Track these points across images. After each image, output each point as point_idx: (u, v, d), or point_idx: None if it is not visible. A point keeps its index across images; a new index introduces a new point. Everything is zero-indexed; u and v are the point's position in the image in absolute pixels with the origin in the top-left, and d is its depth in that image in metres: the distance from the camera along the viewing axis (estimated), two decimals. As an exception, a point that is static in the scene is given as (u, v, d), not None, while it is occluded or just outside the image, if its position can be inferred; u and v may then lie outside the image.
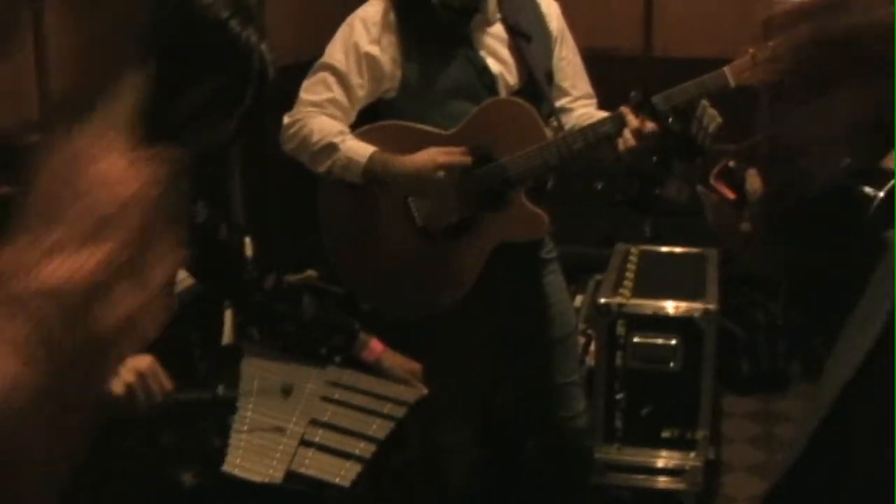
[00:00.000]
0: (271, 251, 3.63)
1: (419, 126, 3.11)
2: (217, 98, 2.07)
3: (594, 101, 3.33)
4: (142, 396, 2.08)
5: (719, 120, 3.01)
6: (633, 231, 4.89)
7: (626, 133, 2.96)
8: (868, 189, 2.85)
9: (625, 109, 2.99)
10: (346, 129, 3.08)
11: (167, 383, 2.13)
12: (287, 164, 3.17)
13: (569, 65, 3.29)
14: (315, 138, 3.05)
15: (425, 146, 3.06)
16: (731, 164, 2.06)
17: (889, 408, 1.04)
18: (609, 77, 3.65)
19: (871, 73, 1.07)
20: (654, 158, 3.46)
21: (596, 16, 5.33)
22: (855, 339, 1.10)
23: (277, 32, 4.42)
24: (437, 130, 3.11)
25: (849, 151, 1.15)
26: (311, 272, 3.96)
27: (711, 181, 2.40)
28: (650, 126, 2.96)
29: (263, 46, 2.10)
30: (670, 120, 2.93)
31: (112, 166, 0.79)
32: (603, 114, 3.16)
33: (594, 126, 3.06)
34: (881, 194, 2.80)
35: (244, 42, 2.06)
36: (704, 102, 2.93)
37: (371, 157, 3.01)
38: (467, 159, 3.02)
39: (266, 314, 2.65)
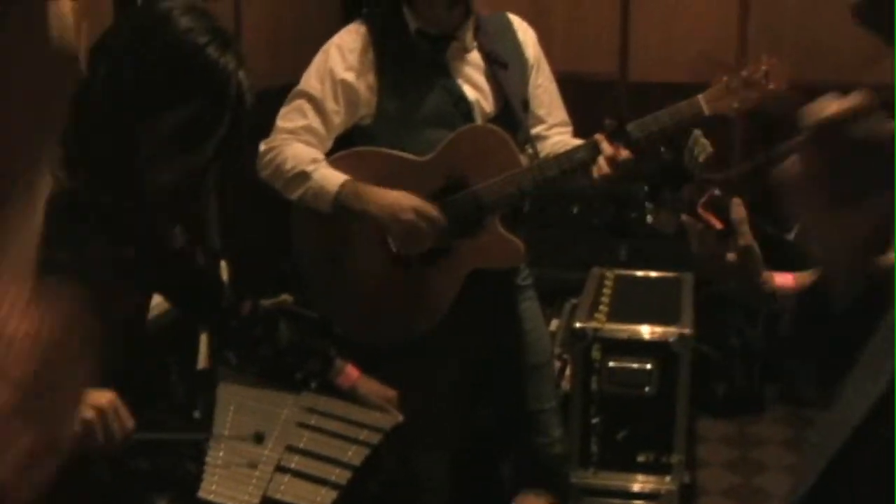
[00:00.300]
0: (246, 275, 3.62)
1: (394, 153, 3.12)
2: (194, 123, 2.06)
3: (569, 128, 3.34)
4: (100, 434, 2.00)
5: (710, 150, 3.02)
6: (608, 255, 4.90)
7: (601, 161, 2.97)
8: None
9: (599, 137, 3.00)
10: (320, 157, 3.08)
11: (129, 421, 2.05)
12: (262, 187, 3.17)
13: (545, 92, 3.30)
14: (289, 166, 3.05)
15: (401, 173, 3.06)
16: (717, 192, 2.07)
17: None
18: (585, 101, 3.67)
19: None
20: (645, 188, 3.48)
21: (573, 41, 5.36)
22: (865, 382, 1.09)
23: (252, 57, 4.41)
24: (412, 157, 3.11)
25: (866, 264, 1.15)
26: (285, 296, 3.95)
27: (699, 210, 2.41)
28: (625, 154, 2.98)
29: (241, 73, 2.10)
30: (662, 149, 2.95)
31: (6, 312, 0.76)
32: (578, 141, 3.18)
33: (569, 153, 3.07)
34: None
35: (222, 68, 2.06)
36: (697, 132, 2.95)
37: (342, 187, 3.02)
38: (439, 216, 3.03)
39: (242, 340, 2.64)
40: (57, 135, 0.88)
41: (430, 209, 3.03)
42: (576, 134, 3.33)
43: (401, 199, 3.02)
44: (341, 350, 2.71)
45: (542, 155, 3.19)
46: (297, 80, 3.19)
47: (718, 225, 2.01)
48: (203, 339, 3.30)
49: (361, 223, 3.10)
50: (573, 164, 3.04)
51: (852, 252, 1.15)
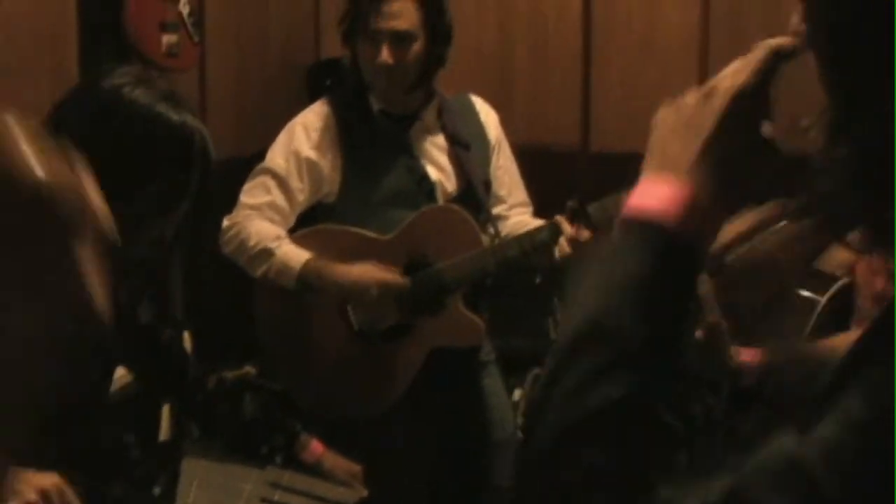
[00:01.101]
0: (209, 346, 3.60)
1: (357, 230, 3.15)
2: (167, 190, 2.06)
3: (530, 209, 3.38)
4: None
5: None
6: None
7: (563, 241, 3.00)
8: (806, 293, 2.88)
9: (560, 218, 3.04)
10: (284, 234, 3.10)
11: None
12: (224, 258, 3.17)
13: (505, 173, 3.34)
14: (252, 242, 3.06)
15: (363, 251, 3.08)
16: None
17: None
18: (547, 172, 3.71)
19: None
20: None
21: (534, 113, 5.42)
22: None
23: (217, 130, 4.43)
24: (375, 235, 3.14)
25: None
26: (248, 368, 3.94)
27: None
28: (586, 234, 3.01)
29: (203, 129, 2.09)
30: None
31: None
32: (539, 221, 3.20)
33: (530, 234, 3.11)
34: (823, 300, 2.83)
35: (184, 129, 2.05)
36: None
37: (306, 264, 3.03)
38: (404, 283, 3.05)
39: (207, 414, 2.62)
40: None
41: (395, 279, 3.04)
42: (538, 204, 3.36)
43: (366, 272, 3.03)
44: (306, 424, 2.70)
45: (502, 235, 3.22)
46: (261, 153, 3.21)
47: None
48: (165, 411, 3.27)
49: (324, 299, 3.10)
50: (534, 245, 3.08)
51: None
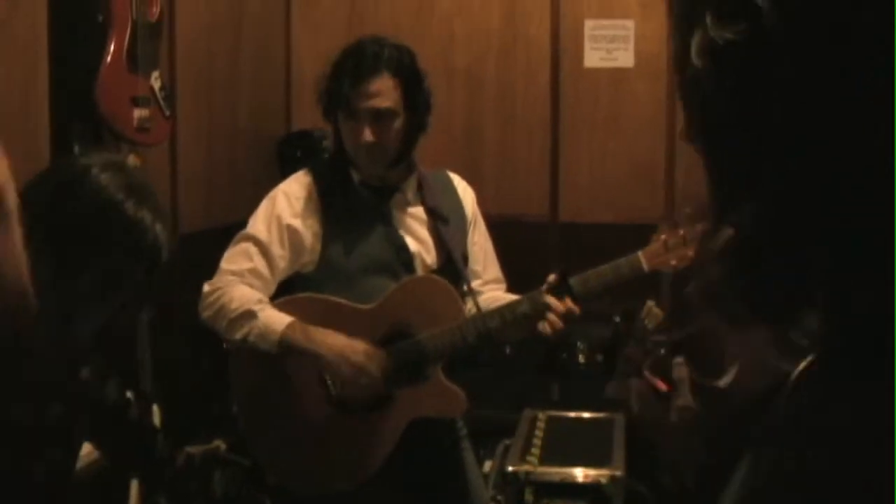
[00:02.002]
0: (179, 419, 3.59)
1: (339, 300, 3.14)
2: (110, 276, 2.09)
3: (503, 285, 3.40)
4: None
5: (661, 318, 3.10)
6: (541, 394, 4.92)
7: (552, 317, 3.02)
8: (779, 363, 2.89)
9: (543, 291, 3.06)
10: (266, 299, 3.09)
11: None
12: (194, 331, 3.16)
13: (480, 249, 3.37)
14: (234, 305, 3.05)
15: (345, 320, 3.08)
16: (662, 353, 2.12)
17: None
18: (518, 242, 3.74)
19: None
20: (600, 357, 3.58)
21: (504, 184, 5.47)
22: None
23: (188, 201, 4.47)
24: (356, 305, 3.14)
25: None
26: (218, 442, 3.91)
27: (645, 373, 2.47)
28: (572, 308, 3.04)
29: (158, 226, 2.12)
30: (617, 319, 3.02)
31: None
32: (511, 296, 3.23)
33: (511, 306, 3.12)
34: (795, 371, 2.84)
35: (138, 223, 2.09)
36: (650, 303, 3.03)
37: (289, 326, 3.02)
38: (388, 367, 3.06)
39: (177, 490, 2.61)
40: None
41: (380, 355, 3.04)
42: (509, 273, 3.39)
43: (351, 343, 3.03)
44: (275, 500, 2.70)
45: (481, 308, 3.23)
46: (231, 224, 3.22)
47: (664, 387, 2.04)
48: (134, 487, 3.26)
49: (303, 367, 3.10)
50: (516, 317, 3.09)
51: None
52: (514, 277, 3.44)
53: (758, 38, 0.82)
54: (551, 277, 3.08)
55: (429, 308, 3.12)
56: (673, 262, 3.09)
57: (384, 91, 3.10)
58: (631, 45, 5.38)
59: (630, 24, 5.38)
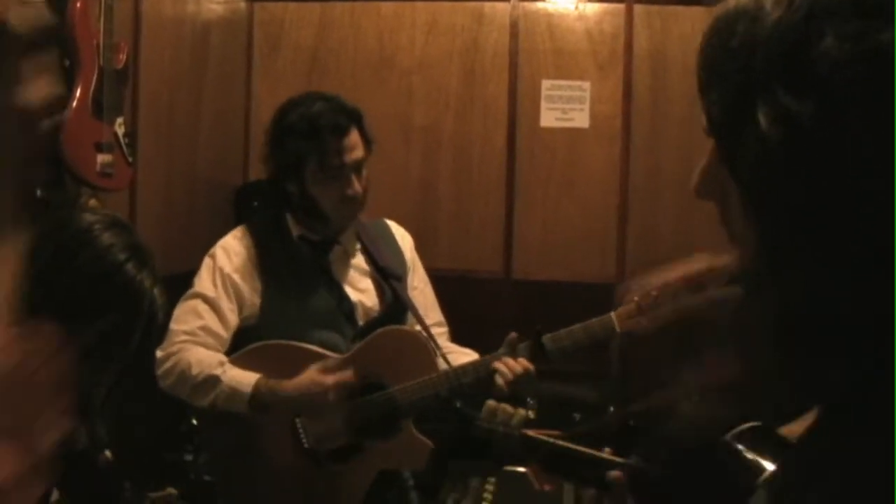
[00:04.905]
0: (131, 467, 3.57)
1: (307, 346, 3.13)
2: (107, 336, 2.09)
3: (445, 329, 3.42)
4: None
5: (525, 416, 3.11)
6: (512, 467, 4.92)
7: (506, 372, 3.04)
8: (750, 455, 2.93)
9: (516, 354, 3.08)
10: (225, 359, 3.07)
11: None
12: (148, 377, 3.13)
13: (420, 294, 3.39)
14: (194, 372, 3.02)
15: (309, 366, 3.07)
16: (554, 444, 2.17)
17: None
18: (471, 297, 3.78)
19: (723, 343, 1.17)
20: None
21: (459, 240, 5.52)
22: None
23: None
24: (323, 351, 3.13)
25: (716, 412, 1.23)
26: (171, 489, 3.89)
27: (530, 470, 2.53)
28: (525, 365, 3.06)
29: (156, 290, 2.13)
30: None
31: None
32: (457, 347, 3.26)
33: (485, 362, 3.13)
34: (772, 467, 2.88)
35: (138, 285, 2.09)
36: (492, 403, 3.05)
37: (257, 386, 3.01)
38: (353, 379, 3.03)
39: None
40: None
41: (346, 378, 3.02)
42: (461, 329, 3.41)
43: (315, 378, 3.01)
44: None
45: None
46: (187, 271, 3.22)
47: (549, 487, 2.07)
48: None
49: (275, 419, 3.08)
50: (490, 372, 3.09)
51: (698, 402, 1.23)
52: (467, 332, 3.47)
53: (830, 110, 0.87)
54: (513, 335, 3.10)
55: (402, 360, 3.12)
56: (644, 324, 3.11)
57: (357, 143, 3.16)
58: (587, 106, 5.46)
59: (586, 85, 5.46)
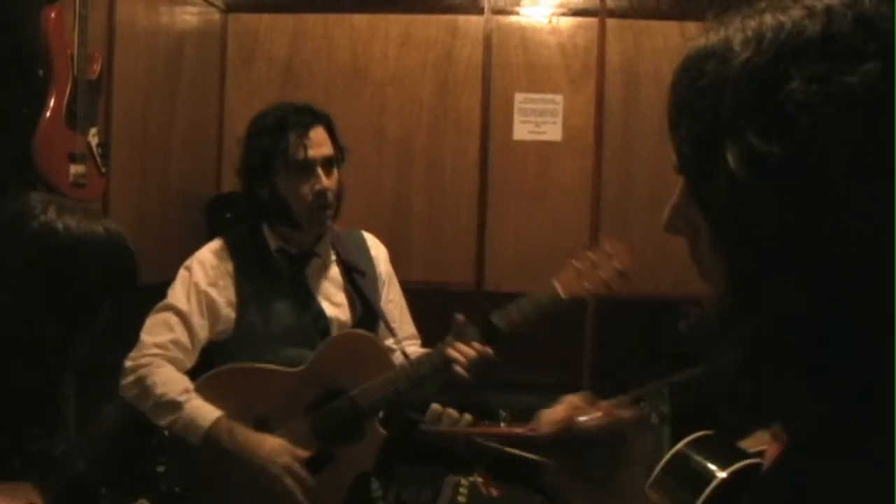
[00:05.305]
0: (104, 474, 3.56)
1: (267, 367, 3.12)
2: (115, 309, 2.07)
3: (418, 341, 3.42)
4: None
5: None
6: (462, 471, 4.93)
7: (464, 358, 3.05)
8: (712, 466, 2.98)
9: (458, 338, 3.07)
10: (191, 386, 3.05)
11: None
12: (116, 389, 3.12)
13: (395, 307, 3.39)
14: (158, 392, 3.01)
15: (276, 387, 3.06)
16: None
17: None
18: (443, 308, 3.78)
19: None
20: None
21: (431, 252, 5.53)
22: None
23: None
24: (283, 368, 3.12)
25: None
26: (143, 501, 3.88)
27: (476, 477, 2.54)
28: (478, 348, 3.06)
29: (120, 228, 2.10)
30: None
31: None
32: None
33: (438, 350, 3.11)
34: (724, 474, 2.93)
35: (115, 235, 2.06)
36: (436, 406, 3.05)
37: (215, 423, 2.99)
38: (310, 481, 3.00)
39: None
40: None
41: (301, 470, 2.99)
42: (433, 340, 3.42)
43: (274, 454, 2.99)
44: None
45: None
46: (158, 283, 3.21)
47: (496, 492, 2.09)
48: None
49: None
50: (443, 359, 3.07)
51: None
52: (438, 339, 3.48)
53: (798, 151, 0.89)
54: (460, 318, 3.09)
55: (358, 363, 3.11)
56: (586, 286, 3.12)
57: (325, 140, 3.15)
58: (559, 120, 5.50)
59: (559, 98, 5.50)
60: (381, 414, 3.18)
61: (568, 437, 1.26)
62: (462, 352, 3.05)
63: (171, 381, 3.03)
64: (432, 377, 3.12)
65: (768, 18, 0.95)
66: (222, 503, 3.14)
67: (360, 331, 3.18)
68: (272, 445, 3.01)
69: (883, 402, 0.90)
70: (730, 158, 0.92)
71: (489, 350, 3.08)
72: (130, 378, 3.06)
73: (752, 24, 0.96)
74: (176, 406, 3.00)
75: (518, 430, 1.33)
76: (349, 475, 3.14)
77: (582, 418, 1.27)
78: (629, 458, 1.27)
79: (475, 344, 3.06)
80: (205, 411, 3.00)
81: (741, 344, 0.96)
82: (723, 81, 0.95)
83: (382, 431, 3.15)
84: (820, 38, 0.91)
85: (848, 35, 0.91)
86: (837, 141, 0.88)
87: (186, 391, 3.02)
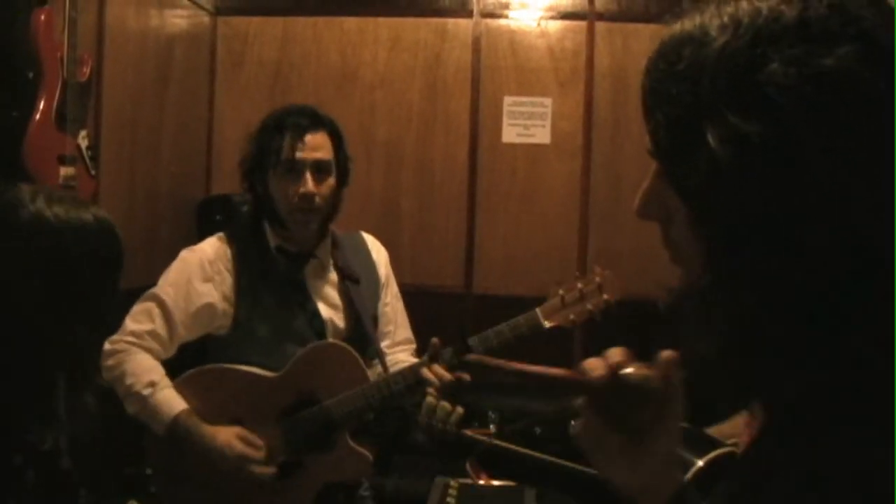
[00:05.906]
0: (89, 475, 3.56)
1: (244, 369, 3.14)
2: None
3: (413, 346, 3.43)
4: None
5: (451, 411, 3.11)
6: (454, 465, 4.94)
7: (435, 381, 3.04)
8: (688, 455, 2.98)
9: (431, 364, 3.07)
10: (159, 379, 3.06)
11: None
12: (105, 390, 3.12)
13: (392, 311, 3.40)
14: (128, 381, 3.04)
15: (251, 390, 3.09)
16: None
17: None
18: (433, 311, 3.79)
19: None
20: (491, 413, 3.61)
21: (420, 255, 5.54)
22: None
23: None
24: (262, 373, 3.14)
25: None
26: (132, 502, 3.89)
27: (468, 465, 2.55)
28: (447, 377, 3.06)
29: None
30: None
31: None
32: (413, 359, 3.27)
33: (413, 368, 3.11)
34: (700, 462, 2.94)
35: (102, 221, 2.06)
36: (433, 400, 3.06)
37: (176, 418, 3.02)
38: (268, 471, 3.05)
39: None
40: None
41: (255, 454, 3.03)
42: (424, 343, 3.43)
43: (228, 443, 3.03)
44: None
45: (389, 370, 3.25)
46: (147, 285, 3.20)
47: (486, 480, 2.11)
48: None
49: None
50: (417, 378, 3.08)
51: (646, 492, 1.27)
52: (428, 346, 3.48)
53: (781, 130, 0.91)
54: (435, 341, 3.08)
55: (333, 374, 3.12)
56: (571, 318, 3.13)
57: (323, 144, 3.15)
58: (548, 123, 5.51)
59: (548, 101, 5.51)
60: (354, 423, 3.19)
61: (615, 385, 1.26)
62: (437, 374, 3.05)
63: (140, 370, 3.05)
64: (405, 395, 3.12)
65: (744, 5, 0.97)
66: (199, 502, 3.16)
67: (339, 343, 3.17)
68: (226, 435, 3.04)
69: (864, 375, 0.92)
70: (710, 139, 0.94)
71: (464, 376, 3.07)
72: (107, 363, 3.07)
73: (729, 10, 0.98)
74: (141, 398, 3.03)
75: (566, 372, 1.31)
76: (317, 483, 3.16)
77: (628, 370, 1.27)
78: (671, 418, 1.26)
79: (445, 370, 3.05)
80: (168, 405, 3.03)
81: (722, 322, 0.98)
82: (700, 65, 0.97)
83: (353, 443, 3.16)
84: (796, 22, 0.94)
85: (823, 19, 0.93)
86: (816, 120, 0.91)
87: (152, 384, 3.05)
